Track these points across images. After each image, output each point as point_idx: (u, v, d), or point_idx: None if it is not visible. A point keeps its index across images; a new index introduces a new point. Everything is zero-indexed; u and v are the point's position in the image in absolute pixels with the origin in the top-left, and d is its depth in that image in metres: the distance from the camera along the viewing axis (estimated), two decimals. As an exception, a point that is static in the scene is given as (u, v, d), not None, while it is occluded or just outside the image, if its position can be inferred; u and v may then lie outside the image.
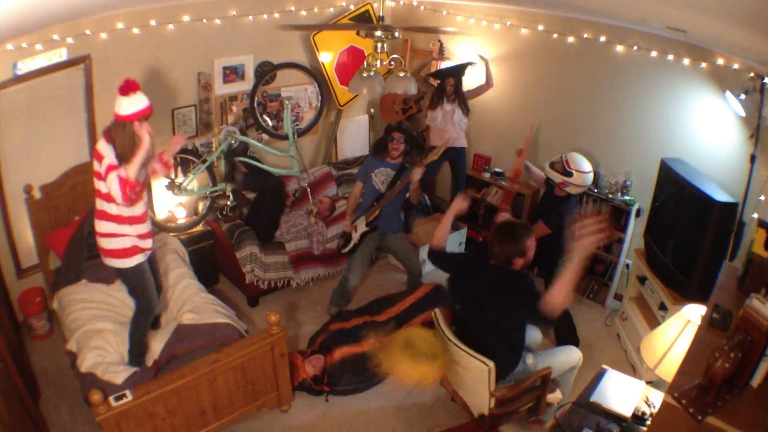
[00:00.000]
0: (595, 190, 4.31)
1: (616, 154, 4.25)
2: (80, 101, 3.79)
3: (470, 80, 4.79)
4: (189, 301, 3.54)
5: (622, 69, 4.02)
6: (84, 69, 3.71)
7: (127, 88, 2.65)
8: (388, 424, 3.34)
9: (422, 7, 5.17)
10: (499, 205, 4.67)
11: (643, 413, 2.46)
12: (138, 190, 2.80)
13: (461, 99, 4.63)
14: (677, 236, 3.51)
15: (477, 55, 4.78)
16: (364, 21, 4.96)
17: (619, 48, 3.96)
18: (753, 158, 3.31)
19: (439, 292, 3.82)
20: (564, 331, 3.84)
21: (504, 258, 2.72)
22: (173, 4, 3.91)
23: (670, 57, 3.70)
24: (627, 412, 2.48)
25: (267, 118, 4.85)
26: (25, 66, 3.37)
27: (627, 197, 4.17)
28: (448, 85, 4.58)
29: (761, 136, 3.27)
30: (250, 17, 4.42)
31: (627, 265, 4.35)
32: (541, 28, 4.38)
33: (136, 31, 3.84)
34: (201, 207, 4.57)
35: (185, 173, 4.30)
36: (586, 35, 4.11)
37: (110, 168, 2.63)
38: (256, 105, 4.65)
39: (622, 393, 2.62)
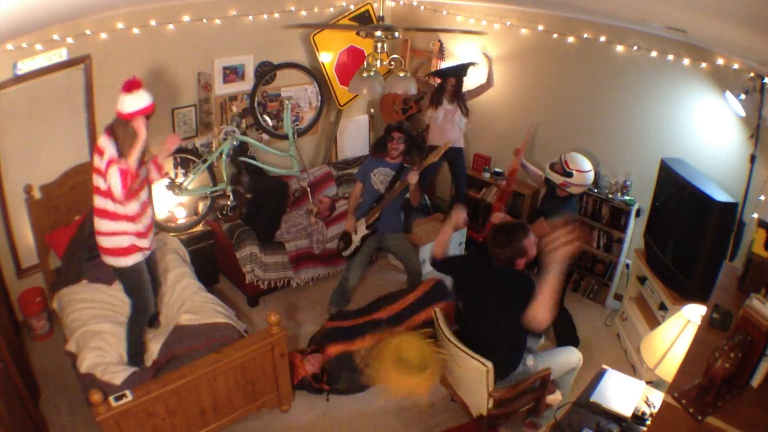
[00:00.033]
0: (595, 190, 4.31)
1: (616, 154, 4.25)
2: (80, 101, 3.80)
3: (470, 80, 4.78)
4: (188, 301, 3.53)
5: (622, 69, 4.02)
6: (84, 69, 3.71)
7: (131, 85, 2.67)
8: (388, 424, 3.34)
9: (422, 7, 5.17)
10: (493, 205, 4.68)
11: (643, 413, 2.46)
12: (137, 187, 2.81)
13: (461, 99, 4.63)
14: (677, 236, 3.51)
15: (482, 53, 4.75)
16: (364, 21, 4.96)
17: (619, 48, 3.97)
18: (753, 158, 3.31)
19: (440, 288, 3.81)
20: (564, 331, 3.84)
21: (505, 259, 2.73)
22: (173, 4, 3.91)
23: (670, 57, 3.71)
24: (627, 412, 2.48)
25: (267, 118, 4.85)
26: (25, 66, 3.37)
27: (627, 197, 4.17)
28: (448, 84, 4.57)
29: (761, 136, 3.27)
30: (250, 17, 4.42)
31: (627, 265, 4.35)
32: (541, 28, 4.38)
33: (136, 31, 3.84)
34: (201, 207, 4.57)
35: (185, 173, 4.31)
36: (586, 35, 4.11)
37: (111, 162, 2.65)
38: (256, 105, 4.65)
39: (622, 393, 2.62)
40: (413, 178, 3.63)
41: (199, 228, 4.45)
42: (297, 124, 5.00)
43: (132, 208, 2.85)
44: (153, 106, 2.76)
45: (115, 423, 2.57)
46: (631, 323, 3.89)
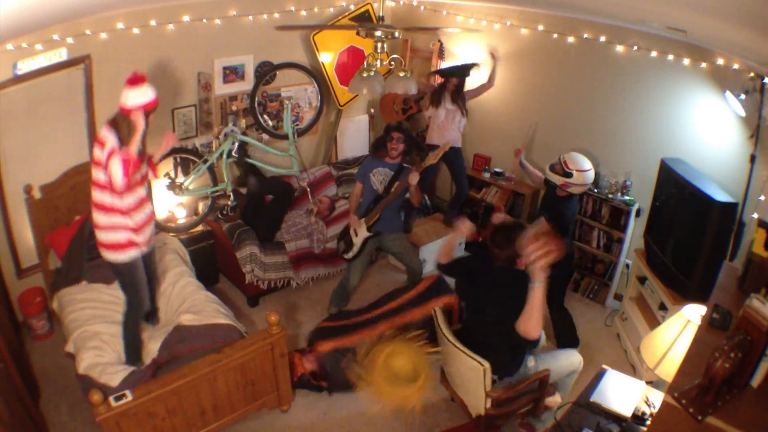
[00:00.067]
0: (595, 190, 4.31)
1: (616, 154, 4.25)
2: (80, 101, 3.80)
3: (471, 79, 4.77)
4: (189, 299, 3.53)
5: (622, 69, 4.02)
6: (84, 69, 3.71)
7: (135, 79, 2.71)
8: (388, 424, 3.34)
9: (422, 7, 5.17)
10: (495, 205, 4.68)
11: (643, 413, 2.46)
12: (137, 179, 2.83)
13: (462, 100, 4.62)
14: (677, 236, 3.50)
15: (489, 53, 4.68)
16: (364, 21, 4.95)
17: (619, 48, 3.97)
18: (753, 158, 3.31)
19: (440, 283, 3.80)
20: (564, 331, 3.85)
21: (506, 259, 2.73)
22: (173, 4, 3.91)
23: (670, 57, 3.71)
24: (627, 412, 2.48)
25: (267, 118, 4.85)
26: (25, 66, 3.37)
27: (627, 197, 4.17)
28: (451, 84, 4.55)
29: (761, 136, 3.27)
30: (250, 17, 4.42)
31: (627, 265, 4.35)
32: (541, 28, 4.38)
33: (136, 31, 3.84)
34: (201, 207, 4.57)
35: (186, 173, 4.31)
36: (586, 35, 4.12)
37: (112, 153, 2.66)
38: (256, 105, 4.65)
39: (622, 393, 2.62)
40: (414, 179, 3.63)
41: (199, 228, 4.45)
42: (297, 124, 5.00)
43: (127, 201, 2.85)
44: (156, 101, 2.80)
45: (115, 423, 2.57)
46: (631, 323, 3.89)
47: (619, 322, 4.15)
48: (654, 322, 3.61)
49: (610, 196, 4.24)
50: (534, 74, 4.65)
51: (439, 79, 4.74)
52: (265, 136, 4.81)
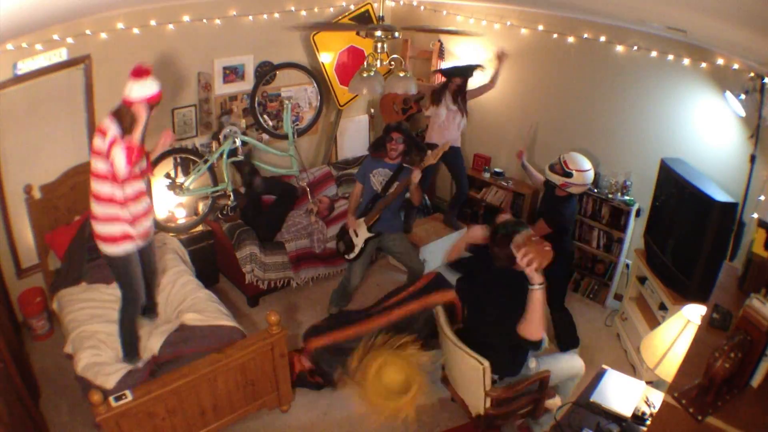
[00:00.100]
0: (595, 190, 4.31)
1: (616, 154, 4.25)
2: (80, 101, 3.80)
3: (472, 79, 4.76)
4: (189, 297, 3.53)
5: (622, 69, 4.02)
6: (84, 69, 3.71)
7: (140, 72, 2.72)
8: (387, 424, 3.34)
9: (422, 7, 5.17)
10: (503, 208, 4.69)
11: (643, 413, 2.46)
12: (138, 172, 2.84)
13: (463, 100, 4.61)
14: (677, 236, 3.50)
15: (496, 54, 4.62)
16: (364, 21, 4.96)
17: (619, 48, 3.97)
18: (753, 158, 3.31)
19: (439, 279, 3.79)
20: (564, 331, 3.84)
21: (506, 259, 2.72)
22: (173, 4, 3.91)
23: (670, 57, 3.71)
24: (627, 412, 2.48)
25: (267, 118, 4.85)
26: (25, 66, 3.37)
27: (627, 197, 4.17)
28: (453, 84, 4.54)
29: (761, 136, 3.27)
30: (250, 17, 4.42)
31: (627, 265, 4.35)
32: (541, 28, 4.38)
33: (136, 31, 3.84)
34: (201, 207, 4.57)
35: (186, 173, 4.31)
36: (586, 35, 4.11)
37: (114, 142, 2.67)
38: (256, 105, 4.65)
39: (622, 393, 2.62)
40: (416, 176, 3.63)
41: (200, 228, 4.45)
42: (297, 124, 5.00)
43: (127, 191, 2.86)
44: (160, 94, 2.81)
45: (115, 423, 2.57)
46: (631, 323, 3.89)
47: (619, 322, 4.15)
48: (654, 322, 3.61)
49: (610, 196, 4.24)
50: (534, 74, 4.65)
51: (440, 79, 4.74)
52: (265, 136, 4.81)
